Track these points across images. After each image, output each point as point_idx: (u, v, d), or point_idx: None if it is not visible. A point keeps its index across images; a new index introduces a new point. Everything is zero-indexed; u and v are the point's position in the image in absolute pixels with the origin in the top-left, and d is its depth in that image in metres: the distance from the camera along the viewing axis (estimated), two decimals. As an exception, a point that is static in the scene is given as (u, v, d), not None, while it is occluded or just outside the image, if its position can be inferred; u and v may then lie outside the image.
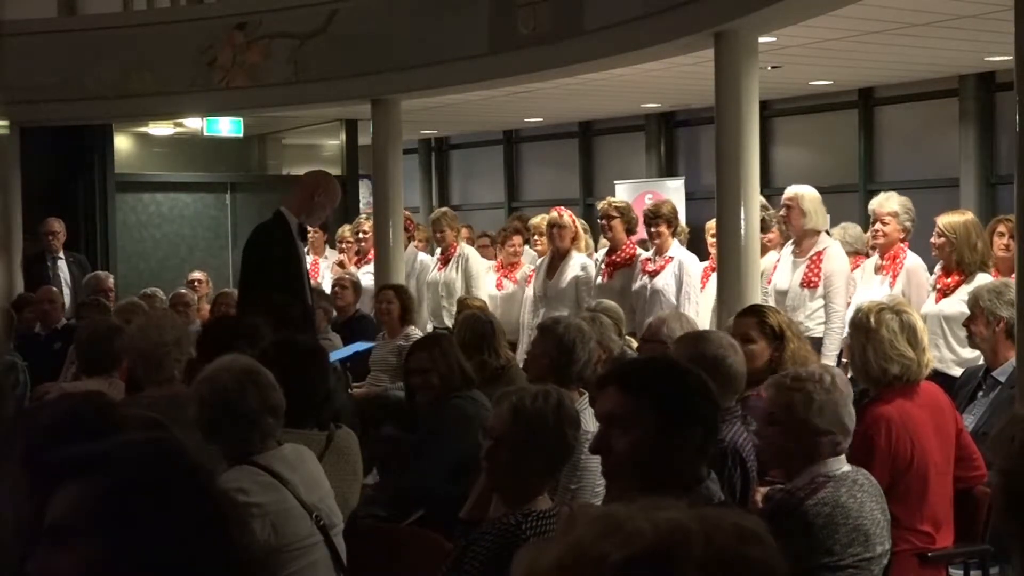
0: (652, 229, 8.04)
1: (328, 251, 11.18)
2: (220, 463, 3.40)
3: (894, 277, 6.73)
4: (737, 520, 1.21)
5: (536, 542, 1.28)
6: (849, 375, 4.35)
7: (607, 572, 1.15)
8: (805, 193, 7.27)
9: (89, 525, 1.74)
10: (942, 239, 6.40)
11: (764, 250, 7.60)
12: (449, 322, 8.82)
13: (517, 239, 9.53)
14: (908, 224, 6.82)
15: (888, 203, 6.86)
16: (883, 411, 4.17)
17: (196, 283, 9.90)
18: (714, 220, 7.97)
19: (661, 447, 2.77)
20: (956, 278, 6.36)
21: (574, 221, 8.68)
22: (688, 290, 7.84)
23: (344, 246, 10.75)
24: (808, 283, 7.11)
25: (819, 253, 7.17)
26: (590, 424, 4.33)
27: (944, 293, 6.39)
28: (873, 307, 4.42)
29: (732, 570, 1.16)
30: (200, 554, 1.75)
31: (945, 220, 6.45)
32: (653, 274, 7.96)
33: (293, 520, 3.36)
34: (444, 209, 10.27)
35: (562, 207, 8.83)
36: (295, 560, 3.35)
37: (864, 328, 4.32)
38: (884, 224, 6.83)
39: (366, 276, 9.89)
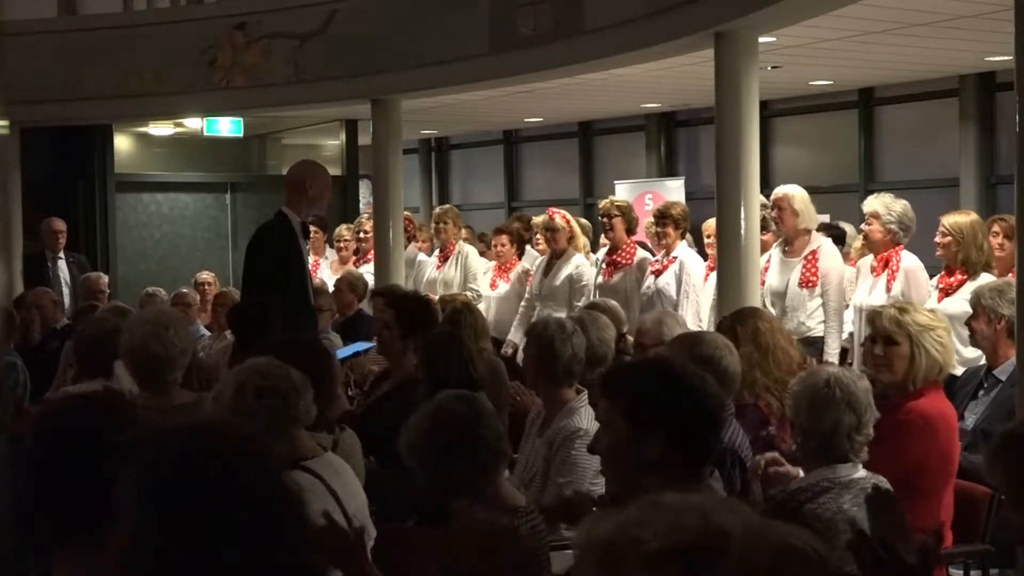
0: (659, 229, 8.07)
1: (328, 251, 11.17)
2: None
3: (891, 279, 6.70)
4: (787, 538, 1.19)
5: (601, 512, 1.28)
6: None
7: (640, 558, 1.17)
8: (795, 193, 7.26)
9: (134, 506, 1.73)
10: (947, 238, 6.38)
11: (764, 249, 7.59)
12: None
13: (502, 238, 9.51)
14: (892, 226, 6.70)
15: (872, 203, 6.83)
16: (925, 408, 4.14)
17: (205, 285, 9.82)
18: (709, 221, 7.99)
19: (630, 447, 2.84)
20: (959, 277, 6.35)
21: (569, 222, 8.70)
22: (687, 289, 7.85)
23: (341, 244, 10.72)
24: (807, 283, 7.10)
25: (813, 252, 7.16)
26: (584, 422, 4.37)
27: (946, 292, 6.39)
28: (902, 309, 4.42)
29: None
30: (252, 540, 1.72)
31: (950, 220, 6.43)
32: (657, 274, 8.01)
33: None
34: (448, 206, 10.26)
35: (555, 209, 8.85)
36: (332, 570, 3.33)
37: (921, 325, 4.28)
38: (868, 225, 6.85)
39: (366, 276, 9.87)
